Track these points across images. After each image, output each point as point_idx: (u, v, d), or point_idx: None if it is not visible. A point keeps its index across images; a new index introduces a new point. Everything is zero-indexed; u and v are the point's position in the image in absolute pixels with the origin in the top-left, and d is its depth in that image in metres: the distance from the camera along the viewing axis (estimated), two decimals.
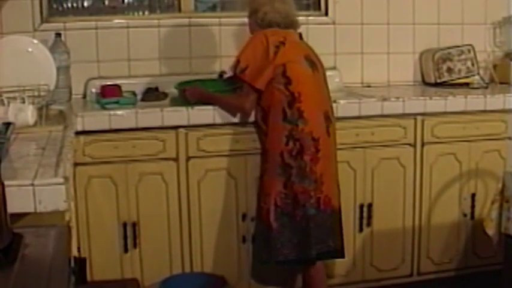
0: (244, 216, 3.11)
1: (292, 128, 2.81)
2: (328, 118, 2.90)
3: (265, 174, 2.90)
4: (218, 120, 3.03)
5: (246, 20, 3.14)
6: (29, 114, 2.38)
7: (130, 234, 3.00)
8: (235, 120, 3.04)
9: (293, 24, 2.98)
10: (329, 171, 2.90)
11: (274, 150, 2.85)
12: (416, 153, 3.33)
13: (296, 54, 2.90)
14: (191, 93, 3.08)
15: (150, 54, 3.49)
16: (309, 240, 2.82)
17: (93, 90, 3.33)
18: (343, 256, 2.98)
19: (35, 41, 2.93)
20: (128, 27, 3.46)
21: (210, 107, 3.01)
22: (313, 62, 2.93)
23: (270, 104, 2.86)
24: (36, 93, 2.59)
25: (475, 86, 3.67)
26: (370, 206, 3.29)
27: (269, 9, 2.93)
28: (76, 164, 2.80)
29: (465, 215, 3.45)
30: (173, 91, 3.29)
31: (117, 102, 3.09)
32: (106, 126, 2.91)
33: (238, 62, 2.90)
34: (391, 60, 3.86)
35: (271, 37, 2.86)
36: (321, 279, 3.00)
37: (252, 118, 3.02)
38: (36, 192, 1.62)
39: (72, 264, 1.38)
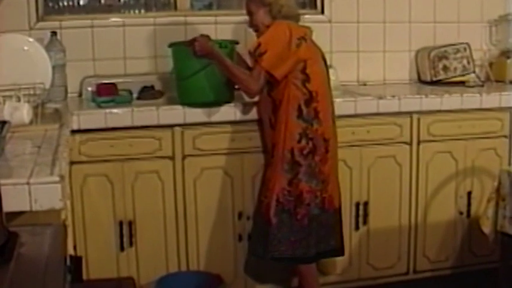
0: (240, 215, 3.11)
1: (307, 126, 2.81)
2: (333, 119, 2.93)
3: (269, 169, 2.89)
4: (214, 119, 3.02)
5: (241, 18, 3.13)
6: (24, 112, 2.37)
7: (126, 233, 3.00)
8: (232, 118, 3.04)
9: (300, 17, 2.99)
10: (334, 171, 2.92)
11: (283, 146, 2.82)
12: (412, 152, 3.33)
13: (315, 53, 2.90)
14: (201, 45, 2.86)
15: (146, 53, 3.48)
16: (309, 240, 2.83)
17: (89, 88, 3.32)
18: (343, 254, 3.01)
19: (31, 40, 2.93)
20: (123, 25, 3.45)
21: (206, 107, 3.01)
22: (326, 63, 2.95)
23: (283, 98, 2.82)
24: (31, 92, 2.59)
25: (471, 84, 3.67)
26: (366, 204, 3.29)
27: (284, 2, 2.91)
28: (72, 163, 2.80)
29: (461, 213, 3.45)
30: (169, 89, 3.29)
31: (113, 101, 3.10)
32: (102, 125, 2.91)
33: (259, 44, 2.82)
34: (387, 58, 3.86)
35: (294, 30, 2.84)
36: (312, 276, 3.00)
37: (254, 117, 3.03)
38: (31, 191, 1.62)
39: (68, 262, 1.37)
